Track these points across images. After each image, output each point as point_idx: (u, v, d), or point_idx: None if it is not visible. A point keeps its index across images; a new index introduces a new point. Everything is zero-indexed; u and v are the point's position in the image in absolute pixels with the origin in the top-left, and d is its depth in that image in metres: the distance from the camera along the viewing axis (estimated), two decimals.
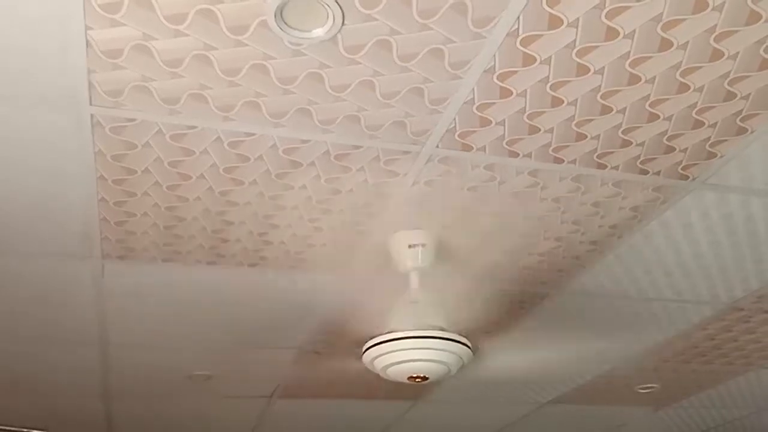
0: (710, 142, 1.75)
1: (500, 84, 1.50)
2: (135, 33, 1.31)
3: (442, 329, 2.00)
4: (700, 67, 1.49)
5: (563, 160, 1.79)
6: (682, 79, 1.52)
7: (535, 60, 1.44)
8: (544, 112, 1.60)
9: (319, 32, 1.33)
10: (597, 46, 1.41)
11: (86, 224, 1.94)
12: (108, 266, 2.18)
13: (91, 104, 1.49)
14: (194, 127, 1.59)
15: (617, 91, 1.55)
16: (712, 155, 1.81)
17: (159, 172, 1.74)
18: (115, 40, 1.33)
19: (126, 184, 1.79)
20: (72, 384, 3.12)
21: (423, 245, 2.08)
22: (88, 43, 1.33)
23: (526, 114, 1.61)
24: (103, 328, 2.60)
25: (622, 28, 1.37)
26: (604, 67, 1.47)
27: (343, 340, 2.79)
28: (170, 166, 1.73)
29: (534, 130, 1.66)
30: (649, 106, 1.61)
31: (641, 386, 3.60)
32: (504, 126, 1.64)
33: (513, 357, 3.06)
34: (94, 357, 2.85)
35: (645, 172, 1.87)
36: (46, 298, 2.35)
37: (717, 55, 1.45)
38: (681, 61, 1.47)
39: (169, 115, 1.54)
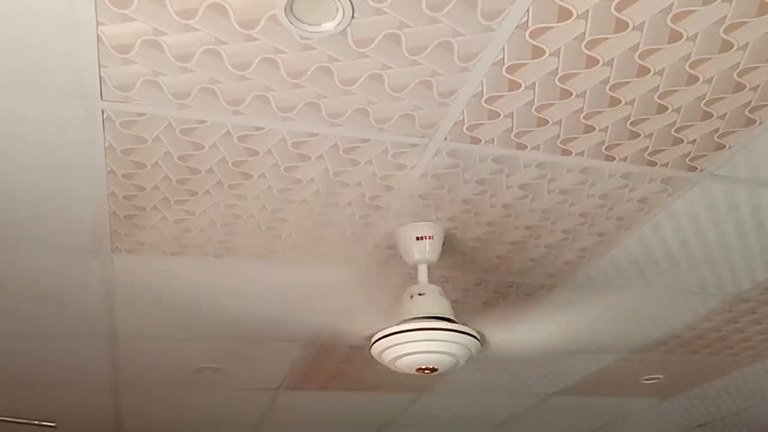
0: (719, 133, 1.75)
1: (509, 76, 1.51)
2: (146, 28, 1.32)
3: (450, 321, 2.01)
4: (710, 59, 1.49)
5: (571, 152, 1.80)
6: (691, 71, 1.52)
7: (544, 52, 1.44)
8: (552, 104, 1.61)
9: (328, 26, 1.33)
10: (606, 38, 1.41)
11: (96, 219, 1.96)
12: (117, 260, 2.19)
13: (102, 99, 1.50)
14: (204, 122, 1.60)
15: (626, 83, 1.55)
16: (720, 147, 1.81)
17: (169, 166, 1.75)
18: (126, 35, 1.33)
19: (136, 178, 1.80)
20: (81, 377, 3.14)
21: (430, 238, 2.09)
22: (99, 39, 1.34)
23: (534, 106, 1.61)
24: (112, 321, 2.61)
25: (631, 19, 1.37)
26: (613, 59, 1.47)
27: (351, 332, 2.81)
28: (180, 160, 1.73)
29: (542, 122, 1.67)
30: (658, 97, 1.61)
31: (646, 377, 3.61)
32: (512, 118, 1.65)
33: (519, 349, 3.07)
34: (103, 350, 2.87)
35: (653, 164, 1.88)
36: (56, 292, 2.37)
37: (726, 46, 1.45)
38: (690, 53, 1.47)
39: (179, 109, 1.55)
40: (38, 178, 1.76)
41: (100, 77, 1.43)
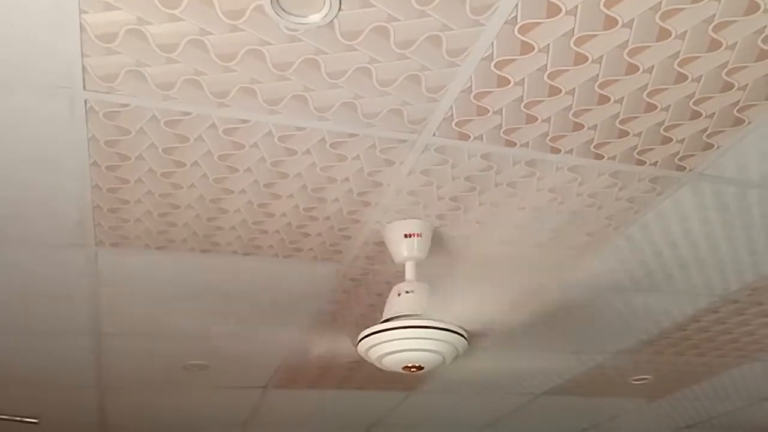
0: (707, 132, 1.75)
1: (498, 72, 1.50)
2: (129, 17, 1.30)
3: (437, 319, 2.00)
4: (698, 57, 1.48)
5: (560, 150, 1.79)
6: (680, 69, 1.52)
7: (533, 48, 1.43)
8: (541, 101, 1.60)
9: (315, 18, 1.32)
10: (595, 35, 1.40)
11: (79, 211, 1.93)
12: (101, 254, 2.17)
13: (84, 89, 1.48)
14: (189, 114, 1.58)
15: (615, 81, 1.54)
16: (709, 146, 1.81)
17: (153, 158, 1.73)
18: (110, 24, 1.31)
19: (119, 171, 1.77)
20: (65, 373, 3.11)
21: (419, 235, 2.08)
22: (82, 27, 1.32)
23: (523, 103, 1.60)
24: (96, 316, 2.59)
25: (620, 16, 1.36)
26: (602, 56, 1.46)
27: (338, 330, 2.79)
28: (164, 153, 1.71)
29: (531, 119, 1.66)
30: (647, 96, 1.60)
31: (635, 378, 3.62)
32: (501, 115, 1.64)
33: (508, 347, 3.07)
34: (88, 346, 2.84)
35: (642, 163, 1.87)
36: (39, 287, 2.34)
37: (715, 45, 1.45)
38: (679, 51, 1.46)
39: (163, 100, 1.53)
40: (19, 169, 1.73)
41: (83, 67, 1.41)
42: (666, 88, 1.58)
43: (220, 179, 1.84)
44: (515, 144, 1.75)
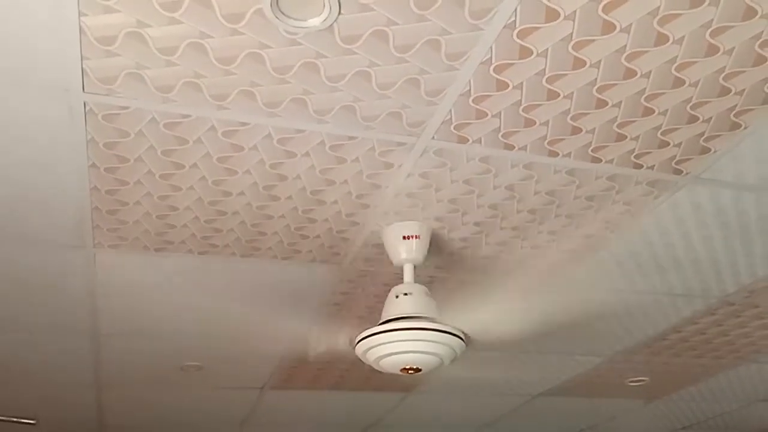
0: (704, 137, 1.76)
1: (496, 76, 1.50)
2: (129, 20, 1.30)
3: (435, 321, 2.00)
4: (696, 62, 1.49)
5: (558, 154, 1.80)
6: (677, 74, 1.53)
7: (532, 52, 1.44)
8: (539, 105, 1.60)
9: (315, 21, 1.32)
10: (593, 40, 1.41)
11: (78, 213, 1.93)
12: (100, 256, 2.17)
13: (84, 91, 1.48)
14: (188, 116, 1.58)
15: (613, 85, 1.55)
16: (705, 150, 1.82)
17: (152, 160, 1.73)
18: (109, 27, 1.32)
19: (118, 173, 1.77)
20: (63, 373, 3.10)
21: (417, 237, 2.08)
22: (81, 30, 1.32)
23: (521, 107, 1.61)
24: (94, 317, 2.59)
25: (618, 21, 1.37)
26: (600, 61, 1.47)
27: (336, 331, 2.80)
28: (163, 155, 1.72)
29: (529, 123, 1.66)
30: (645, 100, 1.61)
31: (632, 379, 3.63)
32: (500, 118, 1.64)
33: (505, 349, 3.08)
34: (86, 347, 2.84)
35: (639, 167, 1.88)
36: (37, 288, 2.34)
37: (712, 50, 1.45)
38: (677, 56, 1.47)
39: (162, 103, 1.53)
40: (19, 171, 1.73)
41: (83, 69, 1.41)
42: (663, 93, 1.59)
43: (219, 181, 1.84)
44: (513, 147, 1.76)
